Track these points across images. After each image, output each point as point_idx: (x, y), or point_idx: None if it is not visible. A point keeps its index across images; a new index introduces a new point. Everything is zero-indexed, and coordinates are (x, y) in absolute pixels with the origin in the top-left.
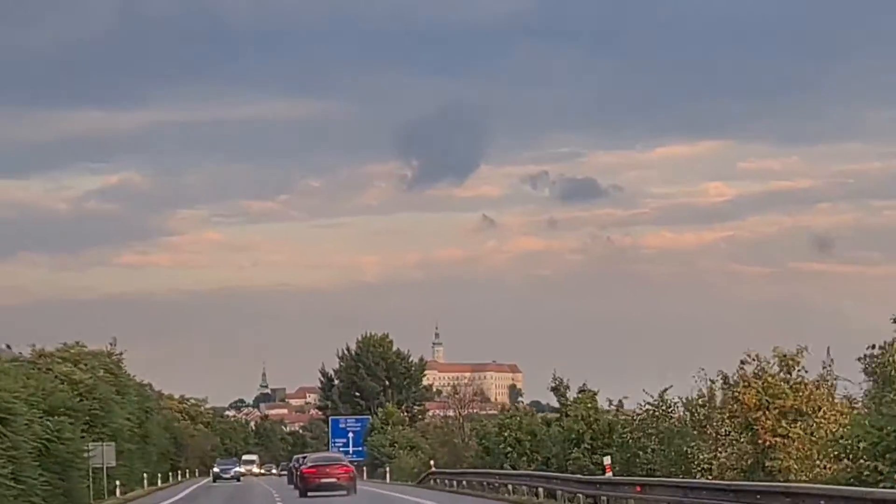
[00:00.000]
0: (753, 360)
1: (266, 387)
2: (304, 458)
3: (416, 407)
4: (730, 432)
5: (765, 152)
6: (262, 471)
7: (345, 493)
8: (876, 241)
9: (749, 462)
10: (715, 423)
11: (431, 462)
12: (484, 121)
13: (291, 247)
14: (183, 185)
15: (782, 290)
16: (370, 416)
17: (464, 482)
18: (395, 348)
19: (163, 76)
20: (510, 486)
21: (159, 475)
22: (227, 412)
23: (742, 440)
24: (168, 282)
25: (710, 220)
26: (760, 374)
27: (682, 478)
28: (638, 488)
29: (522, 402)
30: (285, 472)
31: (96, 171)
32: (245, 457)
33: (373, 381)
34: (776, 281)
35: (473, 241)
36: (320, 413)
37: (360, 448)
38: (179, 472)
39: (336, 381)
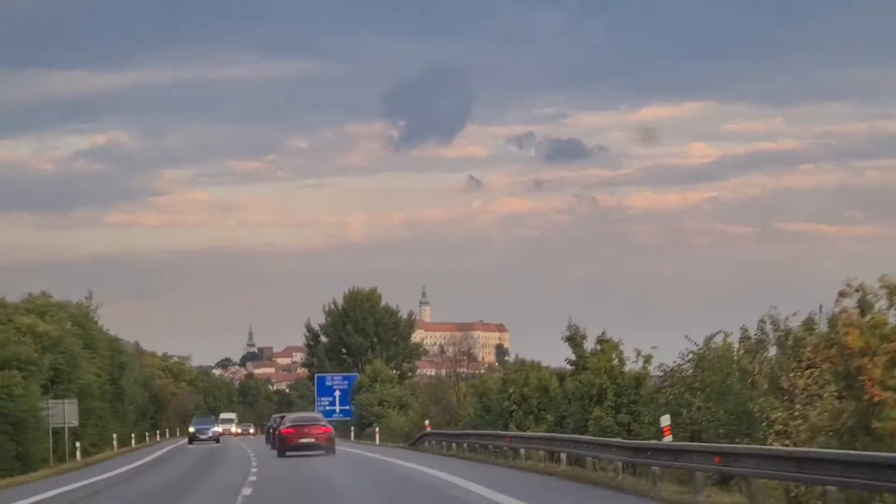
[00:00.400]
0: (857, 291)
1: (253, 346)
2: (283, 417)
3: (405, 364)
4: (813, 385)
5: (748, 113)
6: (240, 430)
7: (323, 452)
8: (859, 202)
9: (849, 422)
10: (791, 374)
11: (426, 422)
12: (469, 81)
13: (278, 207)
14: (169, 145)
15: (766, 250)
16: (358, 374)
17: (464, 444)
18: (383, 303)
19: (148, 36)
20: (522, 451)
21: (134, 435)
22: (213, 371)
23: (837, 395)
24: (155, 241)
25: (695, 181)
26: (864, 307)
27: (746, 442)
28: (718, 459)
29: (509, 361)
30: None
31: (83, 131)
32: (223, 415)
33: (360, 336)
34: (760, 240)
35: (460, 201)
36: (307, 372)
37: (348, 407)
38: (159, 431)
39: (322, 338)
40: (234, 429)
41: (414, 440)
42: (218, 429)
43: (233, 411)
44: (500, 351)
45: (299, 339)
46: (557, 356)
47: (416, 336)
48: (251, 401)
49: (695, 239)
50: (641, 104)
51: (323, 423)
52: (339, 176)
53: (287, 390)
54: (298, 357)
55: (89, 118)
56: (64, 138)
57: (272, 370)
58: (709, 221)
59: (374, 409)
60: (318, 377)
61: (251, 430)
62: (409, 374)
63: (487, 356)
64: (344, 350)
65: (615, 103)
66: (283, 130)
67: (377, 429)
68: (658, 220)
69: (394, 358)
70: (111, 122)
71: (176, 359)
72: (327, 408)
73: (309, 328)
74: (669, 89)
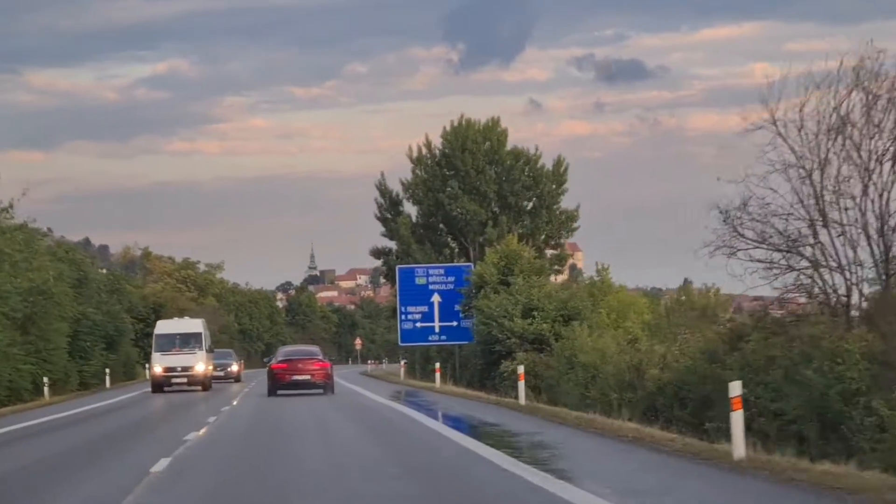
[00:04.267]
0: None
1: (314, 269)
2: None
3: (549, 244)
4: None
5: (811, 32)
6: (211, 369)
7: (321, 391)
8: None
9: None
10: None
11: None
12: (529, 2)
13: (339, 133)
14: (229, 72)
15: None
16: (470, 264)
17: None
18: (509, 146)
19: None
20: None
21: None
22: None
23: None
24: (215, 169)
25: (757, 102)
26: None
27: None
28: None
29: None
30: None
31: (144, 59)
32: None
33: (473, 200)
34: None
35: (521, 124)
36: (383, 272)
37: (455, 323)
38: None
39: (407, 208)
40: (201, 365)
41: None
42: (233, 366)
43: (278, 337)
44: (574, 271)
45: (362, 263)
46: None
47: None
48: (302, 322)
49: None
50: (703, 24)
51: (320, 357)
52: (399, 101)
53: (351, 307)
54: (363, 279)
55: (149, 46)
56: (124, 66)
57: (335, 293)
58: None
59: (519, 326)
60: (400, 271)
61: (233, 368)
62: (557, 266)
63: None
64: (442, 226)
65: (676, 24)
66: (344, 56)
67: (521, 369)
68: (720, 142)
69: (530, 235)
70: (170, 50)
71: (205, 267)
72: (418, 325)
73: (383, 191)
74: (731, 9)
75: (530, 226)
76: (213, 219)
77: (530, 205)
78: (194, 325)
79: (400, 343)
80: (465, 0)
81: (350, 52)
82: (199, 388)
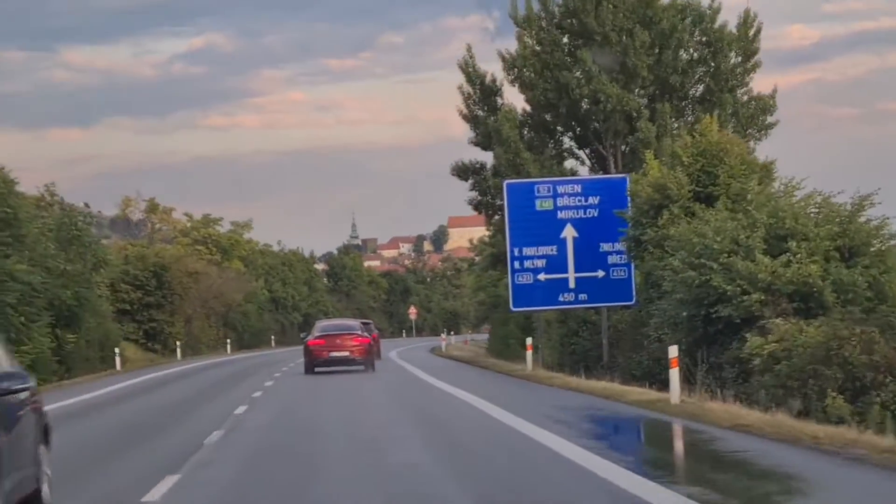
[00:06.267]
0: None
1: (356, 237)
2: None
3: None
4: None
5: None
6: None
7: (362, 368)
8: None
9: None
10: None
11: None
12: None
13: (376, 104)
14: (265, 45)
15: (870, 131)
16: (626, 175)
17: None
18: None
19: None
20: None
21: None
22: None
23: None
24: (254, 142)
25: (795, 63)
26: None
27: None
28: None
29: None
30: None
31: (180, 34)
32: None
33: (615, 81)
34: (864, 121)
35: None
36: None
37: (603, 272)
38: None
39: (510, 97)
40: None
41: None
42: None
43: (319, 307)
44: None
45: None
46: None
47: None
48: (346, 288)
49: (796, 122)
50: None
51: (358, 331)
52: (436, 70)
53: (405, 270)
54: (406, 248)
55: (185, 21)
56: (161, 42)
57: (377, 263)
58: (811, 104)
59: (765, 268)
60: (510, 189)
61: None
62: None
63: None
64: (565, 125)
65: None
66: (379, 27)
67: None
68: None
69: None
70: (207, 25)
71: (232, 226)
72: (541, 276)
73: (470, 75)
74: None
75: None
76: (252, 193)
77: (701, 88)
78: None
79: (512, 308)
80: None
81: (385, 22)
82: None
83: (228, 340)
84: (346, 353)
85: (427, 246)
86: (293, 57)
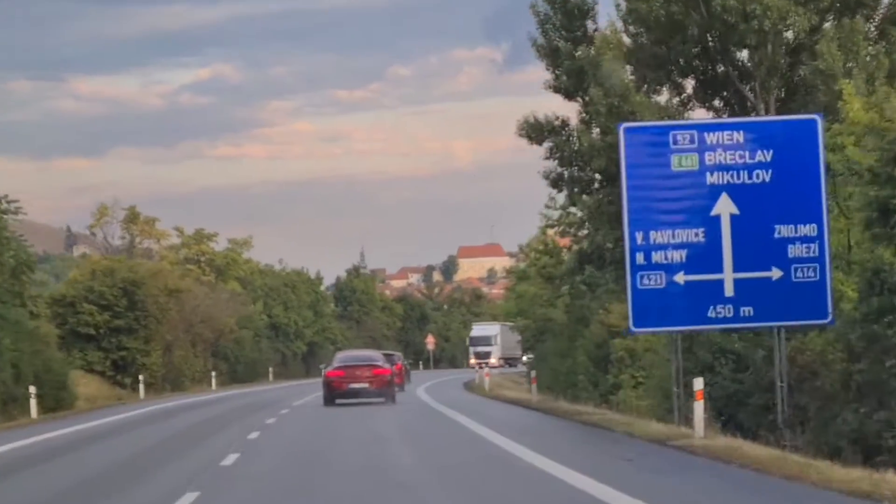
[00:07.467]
0: None
1: (365, 268)
2: None
3: None
4: None
5: None
6: None
7: (382, 399)
8: None
9: None
10: None
11: None
12: None
13: (383, 135)
14: (273, 76)
15: None
16: (818, 115)
17: None
18: None
19: None
20: None
21: None
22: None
23: None
24: (261, 173)
25: None
26: None
27: None
28: None
29: None
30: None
31: (188, 65)
32: None
33: None
34: None
35: None
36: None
37: (781, 272)
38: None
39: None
40: None
41: None
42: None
43: (326, 334)
44: None
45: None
46: None
47: None
48: (357, 314)
49: None
50: None
51: (379, 363)
52: (443, 102)
53: (420, 294)
54: (415, 278)
55: (192, 52)
56: (169, 72)
57: (387, 293)
58: None
59: None
60: (628, 134)
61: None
62: None
63: None
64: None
65: None
66: (387, 59)
67: None
68: None
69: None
70: (215, 56)
71: (230, 244)
72: (678, 278)
73: None
74: None
75: (887, 47)
76: (260, 223)
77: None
78: None
79: (632, 327)
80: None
81: (393, 54)
82: None
83: (214, 373)
84: (366, 385)
85: (437, 276)
86: (301, 88)
